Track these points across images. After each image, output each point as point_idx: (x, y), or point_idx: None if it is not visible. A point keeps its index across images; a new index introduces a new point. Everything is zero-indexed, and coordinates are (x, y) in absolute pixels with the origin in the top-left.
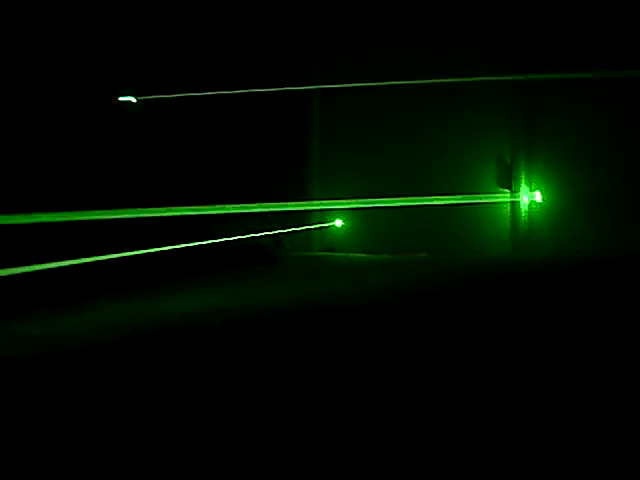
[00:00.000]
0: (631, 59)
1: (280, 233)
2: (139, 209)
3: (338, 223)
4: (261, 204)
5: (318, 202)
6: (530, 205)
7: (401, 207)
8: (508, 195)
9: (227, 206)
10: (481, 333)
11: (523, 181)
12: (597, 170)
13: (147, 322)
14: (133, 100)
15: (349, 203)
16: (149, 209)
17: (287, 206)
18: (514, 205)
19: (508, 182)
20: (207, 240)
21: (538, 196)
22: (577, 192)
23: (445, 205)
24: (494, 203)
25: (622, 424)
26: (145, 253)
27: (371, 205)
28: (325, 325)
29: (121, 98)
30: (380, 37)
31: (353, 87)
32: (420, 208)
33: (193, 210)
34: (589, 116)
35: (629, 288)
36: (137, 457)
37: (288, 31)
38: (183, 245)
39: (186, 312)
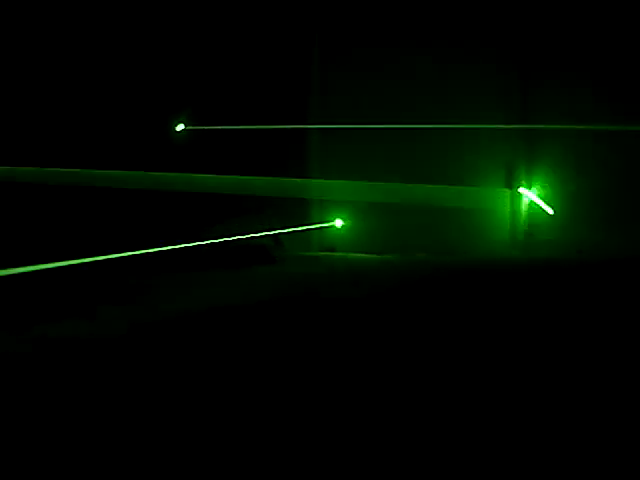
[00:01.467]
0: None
1: (280, 233)
2: None
3: (338, 223)
4: None
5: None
6: (530, 205)
7: (401, 206)
8: (507, 193)
9: None
10: (481, 333)
11: (523, 180)
12: (598, 169)
13: (145, 322)
14: None
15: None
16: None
17: None
18: (514, 205)
19: (508, 181)
20: (207, 240)
21: (532, 196)
22: (578, 191)
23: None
24: (493, 203)
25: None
26: (143, 253)
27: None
28: (324, 325)
29: None
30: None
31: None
32: (421, 209)
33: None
34: (589, 115)
35: (633, 289)
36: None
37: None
38: (182, 245)
39: (184, 312)
